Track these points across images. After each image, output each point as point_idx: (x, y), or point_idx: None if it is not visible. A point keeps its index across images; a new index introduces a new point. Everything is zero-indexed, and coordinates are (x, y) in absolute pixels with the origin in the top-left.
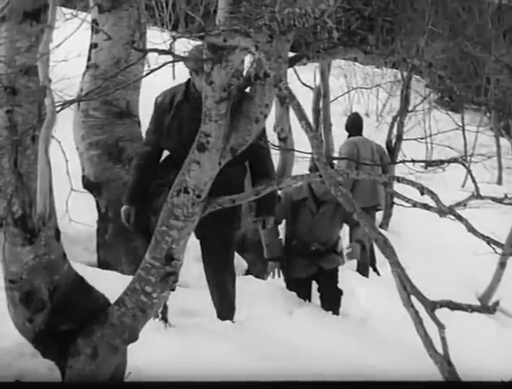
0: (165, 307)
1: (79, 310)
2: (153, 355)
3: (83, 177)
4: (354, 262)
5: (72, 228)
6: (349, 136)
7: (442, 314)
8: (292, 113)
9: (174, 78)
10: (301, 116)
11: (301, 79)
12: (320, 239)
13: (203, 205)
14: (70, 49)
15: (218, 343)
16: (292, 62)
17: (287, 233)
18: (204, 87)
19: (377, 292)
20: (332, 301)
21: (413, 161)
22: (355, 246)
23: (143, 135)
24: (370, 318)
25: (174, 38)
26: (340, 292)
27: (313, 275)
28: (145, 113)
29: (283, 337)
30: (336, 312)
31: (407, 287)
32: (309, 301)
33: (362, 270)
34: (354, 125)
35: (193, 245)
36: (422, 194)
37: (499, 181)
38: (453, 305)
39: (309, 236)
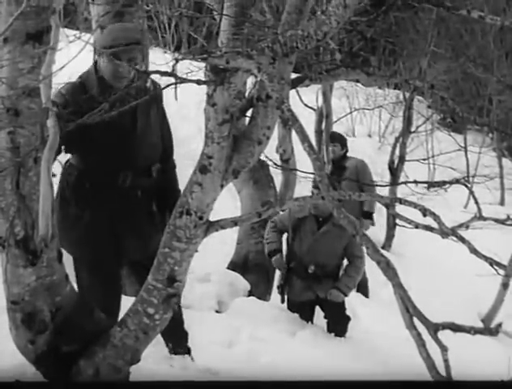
0: None
1: (81, 332)
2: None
3: None
4: None
5: None
6: (345, 154)
7: (445, 334)
8: (294, 135)
9: (176, 99)
10: (304, 138)
11: (304, 100)
12: (318, 260)
13: (206, 227)
14: (73, 71)
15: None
16: (294, 84)
17: (287, 253)
18: (207, 109)
19: (379, 312)
20: (339, 327)
21: (416, 182)
22: (333, 291)
23: None
24: (372, 339)
25: (177, 60)
26: (348, 319)
27: (314, 301)
28: None
29: (285, 359)
30: (341, 335)
31: (409, 309)
32: (312, 322)
33: (362, 290)
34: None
35: (196, 266)
36: (424, 215)
37: (501, 202)
38: (455, 327)
39: (308, 256)
